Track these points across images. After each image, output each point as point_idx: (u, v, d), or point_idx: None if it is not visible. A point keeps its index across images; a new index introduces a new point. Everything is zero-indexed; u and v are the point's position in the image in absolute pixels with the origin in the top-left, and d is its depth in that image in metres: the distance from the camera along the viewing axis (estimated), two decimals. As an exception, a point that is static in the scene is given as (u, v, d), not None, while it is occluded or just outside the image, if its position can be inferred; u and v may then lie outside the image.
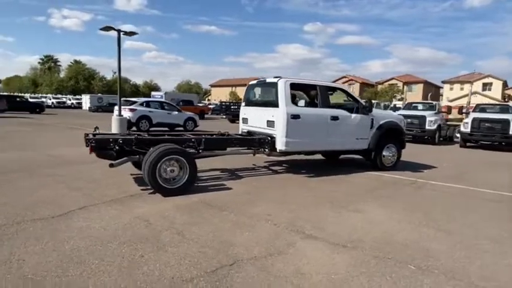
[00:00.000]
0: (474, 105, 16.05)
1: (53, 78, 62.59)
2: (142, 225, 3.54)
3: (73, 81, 61.31)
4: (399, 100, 34.14)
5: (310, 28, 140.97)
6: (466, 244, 3.42)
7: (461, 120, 14.36)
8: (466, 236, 3.64)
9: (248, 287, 2.44)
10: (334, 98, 7.27)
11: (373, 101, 22.17)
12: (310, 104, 6.78)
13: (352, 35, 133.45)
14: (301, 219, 3.96)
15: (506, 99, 42.92)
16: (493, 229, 3.90)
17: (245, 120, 7.15)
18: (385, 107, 21.82)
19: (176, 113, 16.27)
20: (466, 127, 13.04)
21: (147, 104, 15.79)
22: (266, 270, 2.69)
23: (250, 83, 7.37)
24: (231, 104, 28.17)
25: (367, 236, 3.53)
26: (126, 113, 13.96)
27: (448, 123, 15.91)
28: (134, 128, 14.20)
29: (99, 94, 45.79)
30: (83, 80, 61.85)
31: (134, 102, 15.56)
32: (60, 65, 69.88)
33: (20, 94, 45.49)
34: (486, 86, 48.40)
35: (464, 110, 15.47)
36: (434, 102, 16.77)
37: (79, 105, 42.96)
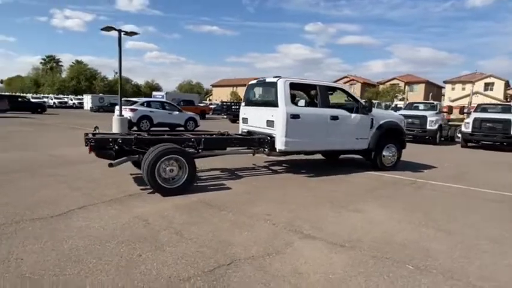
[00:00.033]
0: (475, 105, 16.00)
1: (55, 78, 62.76)
2: (141, 225, 3.55)
3: (75, 82, 61.47)
4: (400, 100, 34.08)
5: (311, 28, 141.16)
6: (466, 244, 3.41)
7: (462, 120, 14.31)
8: (465, 236, 3.63)
9: (245, 287, 2.44)
10: (335, 98, 7.27)
11: (374, 101, 22.23)
12: (310, 103, 6.78)
13: (353, 35, 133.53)
14: (300, 219, 3.96)
15: (508, 99, 42.81)
16: (494, 229, 3.89)
17: (245, 120, 7.15)
18: (386, 107, 21.76)
19: (177, 113, 16.29)
20: (467, 127, 13.00)
21: (148, 104, 15.82)
22: (263, 270, 2.69)
23: (250, 82, 7.38)
24: (232, 104, 28.17)
25: (366, 236, 3.52)
26: (127, 113, 13.99)
27: (450, 123, 15.87)
28: (135, 128, 14.23)
29: (101, 94, 45.91)
30: (84, 80, 61.99)
31: (135, 102, 15.59)
32: (62, 65, 70.19)
33: (21, 94, 45.64)
34: (488, 86, 48.27)
35: (465, 110, 15.42)
36: (435, 102, 16.74)
37: (81, 105, 43.09)
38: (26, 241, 3.04)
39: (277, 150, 6.07)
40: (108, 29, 11.98)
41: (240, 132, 7.18)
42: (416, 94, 51.90)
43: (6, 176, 5.45)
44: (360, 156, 7.28)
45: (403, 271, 2.78)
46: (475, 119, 12.86)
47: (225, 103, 32.00)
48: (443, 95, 54.28)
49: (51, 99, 44.02)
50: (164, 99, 22.81)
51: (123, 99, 14.46)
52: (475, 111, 14.36)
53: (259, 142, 6.17)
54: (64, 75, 66.30)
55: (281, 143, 5.95)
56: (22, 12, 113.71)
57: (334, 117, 6.35)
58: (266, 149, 6.18)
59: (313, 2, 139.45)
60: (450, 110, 16.32)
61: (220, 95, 66.75)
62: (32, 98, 40.70)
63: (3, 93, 32.68)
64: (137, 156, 4.98)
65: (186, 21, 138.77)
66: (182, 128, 15.85)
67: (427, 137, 14.04)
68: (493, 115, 13.08)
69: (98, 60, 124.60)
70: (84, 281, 2.41)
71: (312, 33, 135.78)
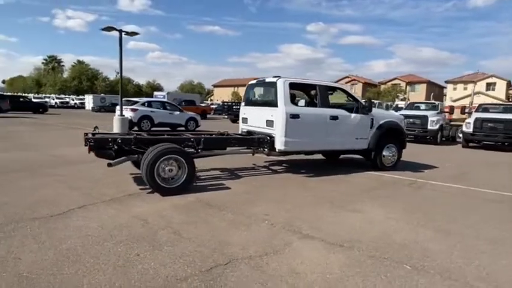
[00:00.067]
0: (477, 105, 15.95)
1: (57, 78, 62.96)
2: (139, 225, 3.55)
3: (76, 82, 61.64)
4: (402, 100, 34.02)
5: (313, 28, 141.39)
6: (464, 244, 3.40)
7: (464, 120, 14.27)
8: (464, 237, 3.62)
9: (242, 286, 2.44)
10: (335, 98, 7.26)
11: (375, 101, 22.20)
12: (310, 103, 6.77)
13: (355, 35, 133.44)
14: (299, 219, 3.96)
15: (510, 99, 42.68)
16: (493, 230, 3.88)
17: (245, 120, 7.15)
18: (387, 107, 21.72)
19: (178, 113, 16.30)
20: (468, 127, 12.95)
21: (149, 104, 15.84)
22: (261, 270, 2.69)
23: (250, 82, 7.38)
24: (233, 104, 28.17)
25: (364, 235, 3.51)
26: (128, 113, 14.03)
27: (452, 123, 15.83)
28: (136, 128, 14.25)
29: (102, 94, 46.00)
30: (86, 80, 62.15)
31: (136, 102, 15.61)
32: (63, 65, 70.43)
33: (23, 94, 45.77)
34: (490, 86, 48.15)
35: (466, 110, 15.38)
36: (436, 102, 16.71)
37: (82, 105, 43.18)
38: (25, 240, 3.06)
39: (277, 150, 6.07)
40: (109, 29, 12.01)
41: (239, 132, 7.18)
42: (418, 94, 51.85)
43: (6, 175, 5.47)
44: (360, 156, 7.27)
45: (401, 271, 2.77)
46: (476, 119, 12.82)
47: (226, 103, 32.02)
48: (445, 95, 54.15)
49: (53, 99, 44.11)
50: (165, 99, 22.83)
51: (124, 99, 14.50)
52: (477, 111, 14.31)
53: (258, 142, 6.17)
54: (66, 75, 66.52)
55: (280, 143, 5.95)
56: (24, 12, 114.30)
57: (334, 117, 6.34)
58: (266, 149, 6.18)
59: (315, 2, 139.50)
60: (451, 110, 16.29)
61: (222, 95, 66.80)
62: (34, 98, 40.82)
63: (4, 94, 32.76)
64: (136, 156, 4.99)
65: (188, 21, 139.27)
66: (183, 128, 15.86)
67: (428, 137, 14.01)
68: (495, 115, 13.04)
69: (99, 60, 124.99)
70: (82, 281, 2.42)
71: (313, 33, 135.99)
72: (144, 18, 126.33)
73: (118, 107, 13.12)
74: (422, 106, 16.44)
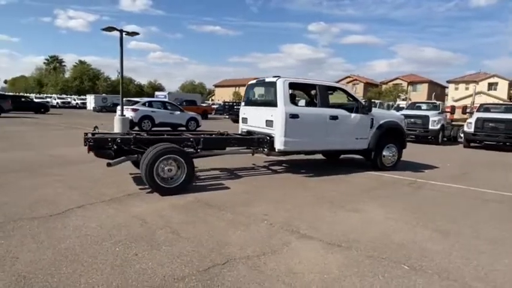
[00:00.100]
0: (478, 105, 15.90)
1: (58, 78, 63.12)
2: (138, 224, 3.56)
3: (78, 82, 61.79)
4: (403, 100, 33.96)
5: (315, 28, 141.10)
6: (463, 244, 3.39)
7: (466, 120, 14.24)
8: (463, 237, 3.61)
9: (239, 286, 2.44)
10: (335, 98, 7.25)
11: (376, 101, 22.14)
12: (310, 103, 6.77)
13: (357, 34, 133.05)
14: (297, 219, 3.95)
15: (512, 99, 42.52)
16: (492, 230, 3.86)
17: (245, 120, 7.16)
18: (388, 107, 21.68)
19: (178, 113, 16.32)
20: (469, 127, 12.92)
21: (150, 104, 15.87)
22: (258, 269, 2.69)
23: (249, 82, 7.38)
24: (234, 104, 28.18)
25: (363, 236, 3.51)
26: (129, 113, 14.06)
27: (453, 123, 15.80)
28: (136, 128, 14.28)
29: (104, 94, 46.10)
30: (87, 80, 62.30)
31: (137, 102, 15.64)
32: (65, 65, 70.63)
33: (25, 94, 45.90)
34: (492, 86, 47.95)
35: (468, 110, 15.34)
36: (437, 102, 16.67)
37: (84, 106, 43.30)
38: (24, 240, 3.07)
39: (277, 150, 6.07)
40: (110, 29, 12.03)
41: (239, 132, 7.18)
42: (420, 94, 51.71)
43: (6, 175, 5.49)
44: (360, 157, 7.26)
45: (399, 271, 2.77)
46: (478, 119, 12.79)
47: (227, 103, 32.04)
48: (447, 95, 54.00)
49: (55, 99, 44.24)
50: (166, 99, 22.85)
51: (125, 99, 14.53)
52: (478, 111, 14.27)
53: (258, 142, 6.17)
54: (67, 75, 66.72)
55: (280, 143, 5.95)
56: (26, 12, 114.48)
57: (334, 117, 6.34)
58: (265, 149, 6.18)
59: (316, 1, 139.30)
60: (453, 110, 16.25)
61: (223, 95, 66.84)
62: (36, 98, 40.92)
63: (6, 94, 32.88)
64: (136, 155, 4.99)
65: (189, 21, 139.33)
66: (184, 128, 15.88)
67: (429, 137, 13.98)
68: (496, 115, 13.00)
69: (101, 60, 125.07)
70: (79, 280, 2.42)
71: (315, 33, 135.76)
72: (145, 18, 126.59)
73: (119, 107, 13.15)
74: (424, 106, 16.40)
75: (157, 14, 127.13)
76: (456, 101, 40.29)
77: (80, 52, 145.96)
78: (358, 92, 54.63)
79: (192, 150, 5.44)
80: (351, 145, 6.71)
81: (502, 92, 45.76)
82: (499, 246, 3.40)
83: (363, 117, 6.65)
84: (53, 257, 2.76)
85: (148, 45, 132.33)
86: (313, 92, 6.87)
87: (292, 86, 6.25)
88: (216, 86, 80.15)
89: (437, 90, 50.79)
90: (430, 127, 13.76)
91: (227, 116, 27.75)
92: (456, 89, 51.67)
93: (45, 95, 49.00)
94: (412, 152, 9.37)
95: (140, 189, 4.91)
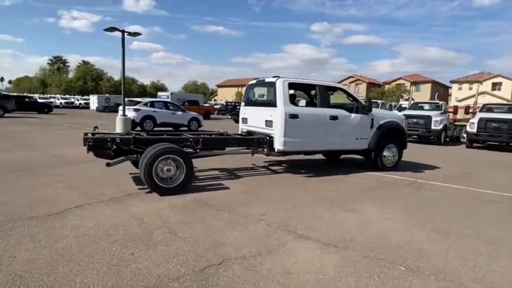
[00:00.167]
0: (481, 105, 15.81)
1: (62, 78, 63.50)
2: (136, 224, 3.57)
3: (81, 82, 62.16)
4: (406, 100, 33.82)
5: (317, 28, 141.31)
6: (461, 245, 3.37)
7: (469, 120, 14.16)
8: (461, 237, 3.59)
9: (234, 286, 2.45)
10: (336, 98, 7.24)
11: (379, 101, 22.05)
12: (310, 103, 6.76)
13: (360, 34, 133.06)
14: (295, 219, 3.95)
15: (516, 99, 42.19)
16: (491, 230, 3.84)
17: (245, 120, 7.16)
18: (391, 107, 21.61)
19: (180, 113, 16.35)
20: (472, 127, 12.86)
21: (152, 104, 15.91)
22: (254, 270, 2.69)
23: (249, 82, 7.38)
24: (237, 104, 28.18)
25: (360, 236, 3.50)
26: (131, 113, 14.08)
27: (456, 123, 15.72)
28: (138, 128, 14.32)
29: (107, 94, 46.28)
30: (91, 80, 62.64)
31: (138, 103, 15.69)
32: (68, 66, 71.04)
33: (29, 94, 46.21)
34: (496, 86, 47.65)
35: (470, 110, 15.25)
36: (440, 102, 16.58)
37: (87, 106, 43.51)
38: (22, 239, 3.08)
39: (276, 150, 6.07)
40: (112, 29, 12.07)
41: (239, 132, 7.18)
42: (423, 94, 51.48)
43: (7, 175, 5.52)
44: (361, 157, 7.24)
45: (395, 272, 2.76)
46: (480, 119, 12.72)
47: (229, 103, 32.04)
48: (450, 95, 53.72)
49: (58, 100, 44.54)
50: (169, 100, 22.92)
51: (127, 99, 14.58)
52: (481, 111, 14.19)
53: (258, 142, 6.17)
54: (71, 75, 67.07)
55: (280, 143, 5.94)
56: (31, 13, 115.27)
57: (334, 117, 6.32)
58: (265, 149, 6.18)
59: (319, 1, 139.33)
60: (455, 110, 16.17)
61: (226, 95, 66.88)
62: (39, 98, 41.21)
63: (9, 94, 33.10)
64: (135, 156, 5.00)
65: (192, 21, 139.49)
66: (185, 128, 15.91)
67: (431, 137, 13.92)
68: (499, 115, 12.92)
69: (104, 60, 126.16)
70: (75, 279, 2.43)
71: (317, 33, 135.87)
72: (149, 19, 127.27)
73: (121, 107, 13.20)
74: (426, 106, 16.34)
75: (161, 15, 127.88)
76: (460, 101, 40.09)
77: (83, 52, 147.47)
78: (361, 92, 54.45)
79: (191, 150, 5.44)
80: (351, 145, 6.69)
81: (506, 92, 45.44)
82: (498, 246, 3.38)
83: (363, 118, 6.63)
84: (50, 256, 2.77)
85: (151, 45, 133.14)
86: (313, 92, 6.86)
87: (292, 86, 6.25)
88: (219, 86, 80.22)
89: (441, 90, 50.58)
90: (433, 127, 13.71)
91: (229, 116, 27.74)
92: (460, 89, 51.40)
93: (48, 95, 49.33)
94: (414, 152, 9.34)
95: (139, 189, 4.93)
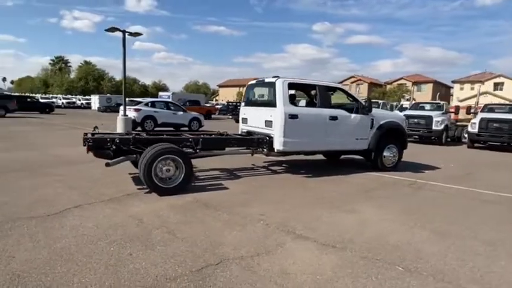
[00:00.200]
0: (482, 105, 15.77)
1: (64, 79, 63.67)
2: (134, 224, 3.57)
3: (83, 82, 62.30)
4: (407, 100, 33.76)
5: (319, 28, 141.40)
6: (460, 246, 3.36)
7: (470, 120, 14.12)
8: (461, 238, 3.58)
9: (231, 287, 2.45)
10: (336, 98, 7.23)
11: (380, 101, 22.02)
12: (310, 103, 6.75)
13: (361, 34, 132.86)
14: (294, 219, 3.95)
15: (518, 99, 42.02)
16: (490, 231, 3.83)
17: (245, 120, 7.16)
18: (392, 107, 21.58)
19: (181, 113, 16.38)
20: (473, 127, 12.83)
21: (152, 104, 15.93)
22: (251, 270, 2.69)
23: (249, 83, 7.39)
24: (238, 104, 28.19)
25: (358, 236, 3.49)
26: (131, 113, 14.11)
27: (458, 123, 15.68)
28: (139, 128, 14.34)
29: (108, 94, 46.38)
30: (92, 80, 62.78)
31: (139, 103, 15.72)
32: (70, 66, 71.20)
33: (31, 94, 46.35)
34: (498, 86, 47.50)
35: (472, 110, 15.21)
36: (441, 102, 16.55)
37: (88, 106, 43.61)
38: (21, 239, 3.09)
39: (276, 151, 6.06)
40: (113, 29, 12.10)
41: (239, 133, 7.18)
42: (424, 94, 51.41)
43: (7, 175, 5.54)
44: (361, 157, 7.23)
45: (393, 272, 2.75)
46: (482, 119, 12.68)
47: (230, 103, 32.05)
48: (452, 95, 53.59)
49: (60, 100, 44.62)
50: (169, 100, 22.96)
51: (128, 99, 14.60)
52: (482, 111, 14.16)
53: (258, 142, 6.17)
54: (72, 75, 67.24)
55: (279, 143, 5.94)
56: (33, 13, 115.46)
57: (333, 118, 6.31)
58: (265, 149, 6.18)
59: (320, 1, 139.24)
60: (457, 110, 16.13)
61: (227, 95, 66.94)
62: (41, 98, 41.30)
63: (11, 94, 33.22)
64: (135, 156, 5.01)
65: (194, 21, 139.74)
66: (186, 128, 15.94)
67: (432, 138, 13.90)
68: (500, 115, 12.88)
69: (106, 61, 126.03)
70: (72, 279, 2.44)
71: (319, 33, 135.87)
72: (150, 19, 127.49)
73: (121, 107, 13.22)
74: (427, 106, 16.31)
75: (162, 15, 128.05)
76: (461, 101, 39.99)
77: (85, 53, 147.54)
78: (362, 92, 54.41)
79: (191, 150, 5.45)
80: (351, 145, 6.68)
81: (508, 92, 45.26)
82: (497, 247, 3.37)
83: (363, 118, 6.62)
84: (48, 256, 2.78)
85: (153, 45, 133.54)
86: (313, 92, 6.86)
87: (292, 86, 6.25)
88: (220, 86, 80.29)
89: (442, 91, 50.52)
90: (434, 127, 13.68)
91: (230, 116, 27.78)
92: (461, 89, 51.28)
93: (50, 96, 49.42)
94: (415, 152, 9.33)
95: (139, 189, 4.94)
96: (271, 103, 6.14)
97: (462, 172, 7.67)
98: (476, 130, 12.70)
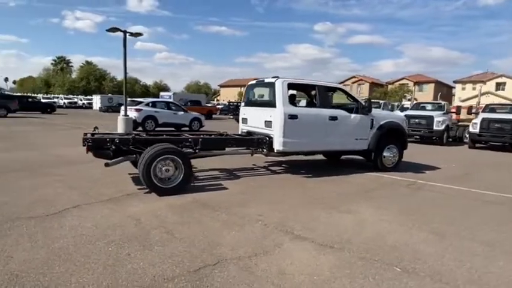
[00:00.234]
0: (483, 105, 15.73)
1: (65, 79, 63.81)
2: (133, 224, 3.58)
3: (84, 82, 62.45)
4: (408, 100, 33.71)
5: (320, 28, 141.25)
6: (458, 247, 3.36)
7: (471, 120, 14.09)
8: (459, 239, 3.57)
9: (228, 287, 2.45)
10: (337, 98, 7.23)
11: (381, 101, 21.99)
12: (310, 104, 6.75)
13: (363, 34, 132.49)
14: (292, 219, 3.95)
15: (520, 99, 41.87)
16: (489, 232, 3.82)
17: (244, 121, 7.17)
18: (393, 107, 21.55)
19: (182, 113, 16.40)
20: (474, 127, 12.80)
21: (153, 104, 15.95)
22: (249, 270, 2.70)
23: (249, 83, 7.39)
24: (239, 104, 28.18)
25: (356, 237, 3.49)
26: (132, 113, 14.13)
27: (459, 123, 15.64)
28: (140, 128, 14.37)
29: (110, 94, 46.45)
30: (94, 80, 62.92)
31: (140, 103, 15.75)
32: (72, 66, 71.31)
33: (33, 95, 46.48)
34: (500, 86, 47.34)
35: (473, 110, 15.17)
36: (442, 103, 16.52)
37: (90, 106, 43.70)
38: (20, 239, 3.11)
39: (275, 151, 6.07)
40: (114, 30, 12.13)
41: (239, 133, 7.19)
42: (426, 94, 51.29)
43: (7, 175, 5.56)
44: (361, 157, 7.22)
45: (390, 273, 2.75)
46: (483, 120, 12.65)
47: (231, 103, 32.07)
48: (454, 95, 53.47)
49: (61, 100, 44.73)
50: (170, 100, 22.99)
51: (129, 99, 14.63)
52: (483, 111, 14.12)
53: (257, 142, 6.18)
54: (74, 75, 67.40)
55: (279, 144, 5.95)
56: (35, 14, 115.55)
57: (333, 118, 6.31)
58: (264, 150, 6.18)
59: (322, 1, 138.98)
60: (458, 110, 16.10)
61: (228, 95, 66.98)
62: (43, 98, 41.43)
63: (13, 94, 33.34)
64: (134, 156, 5.02)
65: (195, 21, 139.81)
66: (187, 128, 15.96)
67: (433, 138, 13.87)
68: (502, 115, 12.85)
69: (107, 61, 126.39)
70: (70, 279, 2.45)
71: (321, 33, 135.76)
72: (152, 19, 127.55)
73: (123, 107, 13.25)
74: (429, 106, 16.27)
75: (164, 15, 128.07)
76: (463, 101, 39.89)
77: (87, 53, 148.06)
78: (363, 92, 54.33)
79: (190, 150, 5.46)
80: (351, 146, 6.67)
81: (510, 92, 45.07)
82: (495, 248, 3.36)
83: (362, 118, 6.61)
84: (47, 256, 2.79)
85: (154, 45, 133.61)
86: (313, 92, 6.86)
87: (291, 86, 6.25)
88: (221, 86, 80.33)
89: (444, 91, 50.38)
90: (435, 128, 13.65)
91: (231, 116, 27.77)
92: (463, 89, 51.14)
93: (52, 96, 49.56)
94: (415, 152, 9.31)
95: (138, 189, 4.95)
96: (271, 103, 6.14)
97: (463, 172, 7.65)
98: (477, 130, 12.67)
